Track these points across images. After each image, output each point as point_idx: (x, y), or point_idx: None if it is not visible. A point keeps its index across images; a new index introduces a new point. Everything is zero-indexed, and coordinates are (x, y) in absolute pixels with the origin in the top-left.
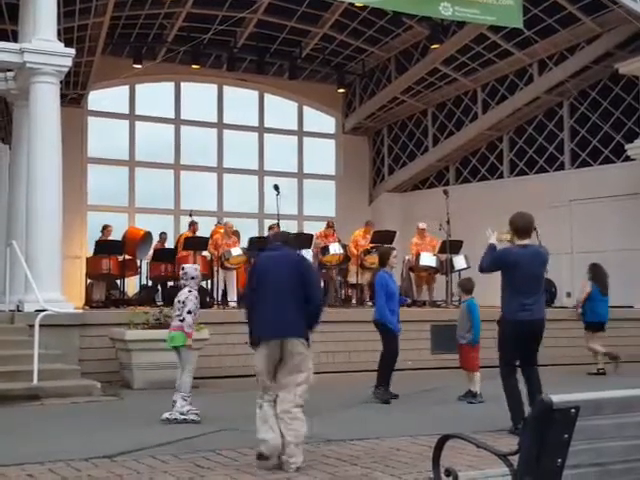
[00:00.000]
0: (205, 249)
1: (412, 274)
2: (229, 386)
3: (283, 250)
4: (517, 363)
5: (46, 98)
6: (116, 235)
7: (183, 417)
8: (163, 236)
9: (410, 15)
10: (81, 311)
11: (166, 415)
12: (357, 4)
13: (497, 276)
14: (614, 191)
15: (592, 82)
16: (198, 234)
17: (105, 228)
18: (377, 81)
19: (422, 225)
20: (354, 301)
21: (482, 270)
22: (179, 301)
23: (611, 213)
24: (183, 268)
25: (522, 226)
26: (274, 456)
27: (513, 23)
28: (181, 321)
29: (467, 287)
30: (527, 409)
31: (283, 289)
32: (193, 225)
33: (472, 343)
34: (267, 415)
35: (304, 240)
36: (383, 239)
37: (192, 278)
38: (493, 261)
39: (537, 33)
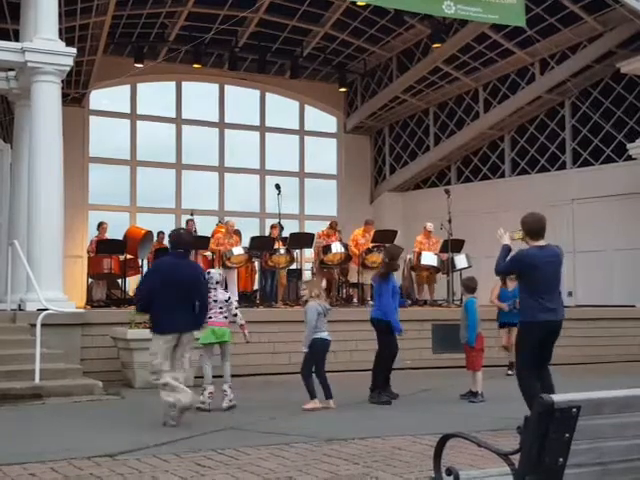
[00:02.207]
0: (206, 248)
1: (413, 273)
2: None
3: (185, 259)
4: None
5: (47, 97)
6: (117, 234)
7: (233, 404)
8: (161, 235)
9: (412, 14)
10: (82, 310)
11: (226, 404)
12: (359, 3)
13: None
14: (615, 190)
15: (594, 81)
16: (199, 232)
17: (100, 225)
18: (378, 80)
19: (429, 226)
20: (355, 300)
21: (498, 272)
22: (215, 300)
23: (612, 212)
24: (209, 272)
25: (534, 227)
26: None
27: (516, 21)
28: (226, 317)
29: (470, 286)
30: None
31: (186, 293)
32: (189, 223)
33: (468, 343)
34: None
35: (305, 239)
36: (384, 238)
37: (217, 282)
38: (510, 264)
39: (539, 32)
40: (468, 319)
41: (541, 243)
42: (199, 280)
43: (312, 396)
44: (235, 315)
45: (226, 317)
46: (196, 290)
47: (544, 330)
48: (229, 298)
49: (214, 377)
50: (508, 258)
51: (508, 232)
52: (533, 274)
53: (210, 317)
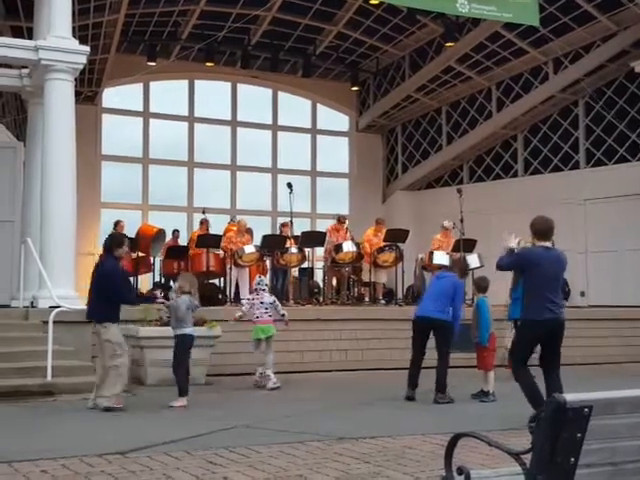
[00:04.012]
0: (218, 247)
1: (425, 272)
2: (242, 383)
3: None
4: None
5: (61, 95)
6: (129, 232)
7: (278, 385)
8: (176, 233)
9: (425, 13)
10: None
11: (270, 385)
12: (372, 1)
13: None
14: (629, 190)
15: (607, 81)
16: (211, 231)
17: (117, 224)
18: (391, 79)
19: (448, 224)
20: (367, 299)
21: (500, 268)
22: (262, 302)
23: (626, 212)
24: (260, 276)
25: (542, 229)
26: None
27: (530, 20)
28: (270, 316)
29: (482, 286)
30: None
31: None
32: (204, 223)
33: (480, 342)
34: None
35: (317, 238)
36: (396, 238)
37: (266, 285)
38: (516, 260)
39: (552, 31)
40: (480, 318)
41: (547, 244)
42: (106, 278)
43: (182, 393)
44: (283, 315)
45: (270, 316)
46: (105, 286)
47: (545, 328)
48: (274, 300)
49: None
50: (513, 256)
51: (514, 235)
52: (536, 272)
53: (257, 317)
